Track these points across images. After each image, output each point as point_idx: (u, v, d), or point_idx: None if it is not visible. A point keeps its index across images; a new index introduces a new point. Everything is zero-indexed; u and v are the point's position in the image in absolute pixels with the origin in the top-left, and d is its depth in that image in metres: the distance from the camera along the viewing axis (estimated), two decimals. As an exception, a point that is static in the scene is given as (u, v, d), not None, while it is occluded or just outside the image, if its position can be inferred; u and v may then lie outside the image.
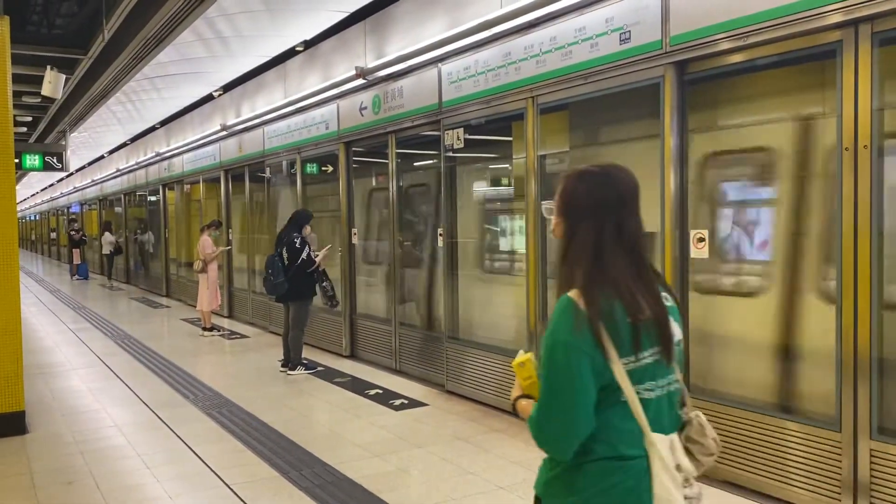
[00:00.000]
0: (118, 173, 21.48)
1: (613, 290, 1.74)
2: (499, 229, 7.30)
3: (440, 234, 7.14)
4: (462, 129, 6.71)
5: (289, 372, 8.07)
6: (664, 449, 1.73)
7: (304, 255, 7.92)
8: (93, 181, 25.50)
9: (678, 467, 1.74)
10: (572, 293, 1.76)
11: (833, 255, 3.98)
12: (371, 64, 7.86)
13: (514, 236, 6.72)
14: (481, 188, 7.35)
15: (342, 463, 5.06)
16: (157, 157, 16.99)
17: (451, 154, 6.95)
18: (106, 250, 21.16)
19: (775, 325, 4.58)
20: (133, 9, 7.91)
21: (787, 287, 4.51)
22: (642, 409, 1.73)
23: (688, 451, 1.81)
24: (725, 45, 4.36)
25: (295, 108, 9.82)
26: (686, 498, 1.73)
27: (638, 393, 1.73)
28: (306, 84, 9.49)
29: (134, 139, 19.55)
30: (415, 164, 8.41)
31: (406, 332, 8.00)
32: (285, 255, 7.95)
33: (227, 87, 12.52)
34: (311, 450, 5.36)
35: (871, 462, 3.78)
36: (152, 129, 17.65)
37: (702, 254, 4.69)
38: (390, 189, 8.11)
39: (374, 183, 9.16)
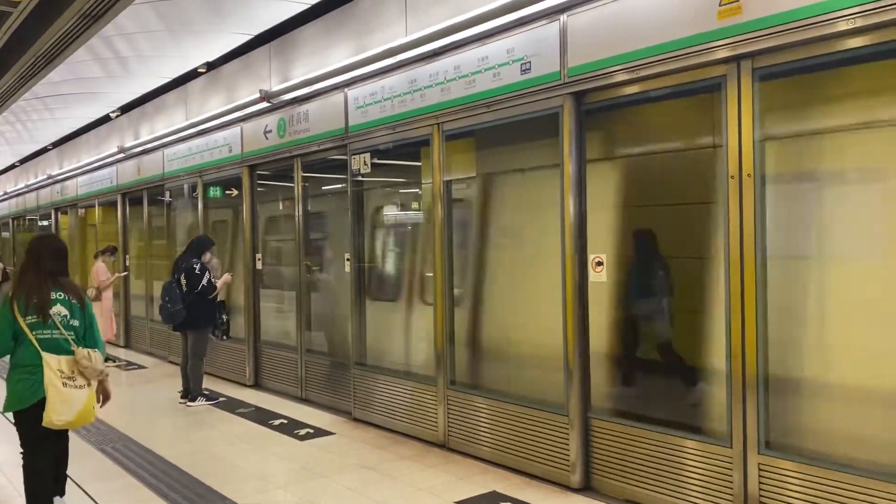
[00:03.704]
0: (6, 196, 20.31)
1: (24, 290, 4.18)
2: (407, 254, 7.29)
3: (347, 259, 7.08)
4: (369, 154, 6.70)
5: (189, 403, 7.77)
6: (52, 361, 4.05)
7: (203, 282, 7.69)
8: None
9: (61, 371, 4.04)
10: (10, 291, 4.25)
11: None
12: (276, 87, 7.77)
13: (424, 261, 6.72)
14: (391, 213, 7.34)
15: (244, 497, 4.90)
16: (50, 180, 16.17)
17: (358, 178, 6.92)
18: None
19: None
20: (21, 24, 7.55)
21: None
22: (37, 343, 4.08)
23: (80, 367, 4.13)
24: (620, 77, 4.54)
25: (197, 130, 9.57)
26: (71, 386, 4.07)
27: (35, 335, 4.09)
28: (209, 106, 9.27)
29: (24, 160, 18.60)
30: (322, 188, 8.33)
31: (313, 359, 7.86)
32: (184, 281, 7.70)
33: (126, 109, 12.12)
34: (211, 484, 5.16)
35: (760, 476, 3.96)
36: (44, 151, 16.83)
37: (600, 277, 4.82)
38: (296, 213, 8.00)
39: (280, 207, 9.01)
